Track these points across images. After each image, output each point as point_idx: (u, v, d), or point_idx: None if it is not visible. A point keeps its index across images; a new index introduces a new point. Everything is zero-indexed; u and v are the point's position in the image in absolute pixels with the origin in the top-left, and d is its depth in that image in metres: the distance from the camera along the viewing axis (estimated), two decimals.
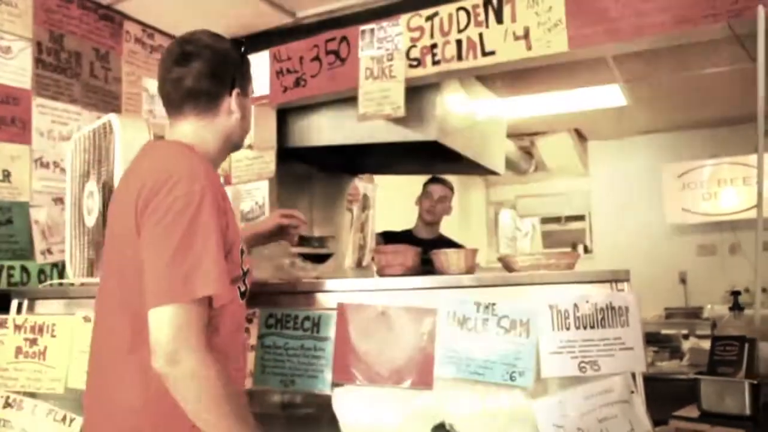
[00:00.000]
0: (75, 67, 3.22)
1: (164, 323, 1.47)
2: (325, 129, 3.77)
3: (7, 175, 2.91)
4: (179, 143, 1.74)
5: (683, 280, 6.83)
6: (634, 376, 2.01)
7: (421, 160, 4.52)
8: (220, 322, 1.66)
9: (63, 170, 2.99)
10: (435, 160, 4.27)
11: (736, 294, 2.56)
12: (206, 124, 1.77)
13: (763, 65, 2.54)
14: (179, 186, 1.54)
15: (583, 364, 2.02)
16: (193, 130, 1.77)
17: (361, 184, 2.52)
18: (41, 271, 3.03)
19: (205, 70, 1.74)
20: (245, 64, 1.87)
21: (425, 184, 4.37)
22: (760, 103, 2.57)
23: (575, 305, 2.06)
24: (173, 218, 1.52)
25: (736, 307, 2.46)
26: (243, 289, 1.77)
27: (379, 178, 3.16)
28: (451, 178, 4.49)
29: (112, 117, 2.49)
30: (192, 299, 1.50)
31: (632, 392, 2.00)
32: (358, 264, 2.45)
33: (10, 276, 2.91)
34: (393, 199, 4.27)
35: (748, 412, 2.01)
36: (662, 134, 6.99)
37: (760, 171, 2.68)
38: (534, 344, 2.04)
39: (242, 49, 1.88)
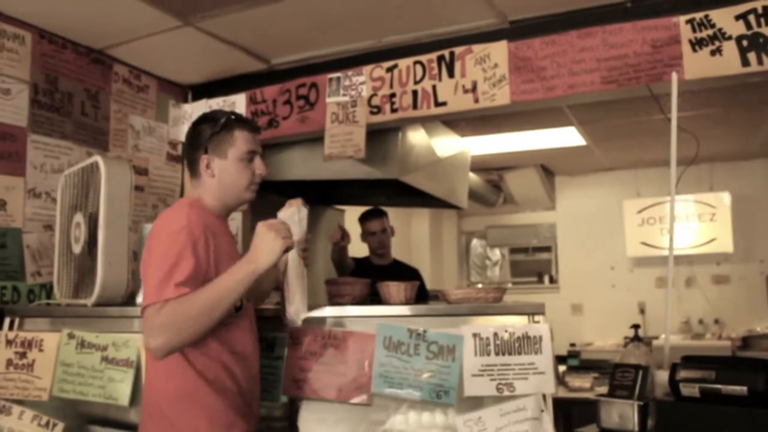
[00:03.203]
0: (67, 106, 3.52)
1: (144, 318, 1.98)
2: (297, 164, 4.07)
3: (2, 203, 3.20)
4: (184, 200, 2.27)
5: (642, 311, 7.14)
6: (544, 396, 2.33)
7: (387, 193, 4.85)
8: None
9: (54, 200, 3.28)
10: (401, 193, 4.58)
11: (636, 327, 2.88)
12: (197, 184, 2.25)
13: (676, 122, 2.88)
14: (165, 229, 2.06)
15: (500, 386, 2.34)
16: (193, 188, 2.26)
17: None
18: (31, 291, 3.30)
19: (186, 143, 2.31)
20: (219, 135, 2.21)
21: (362, 223, 4.45)
22: (672, 157, 2.91)
23: (495, 334, 2.38)
24: (155, 250, 2.03)
25: (636, 338, 2.79)
26: (238, 305, 2.14)
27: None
28: (423, 210, 4.61)
29: (98, 158, 2.81)
30: (155, 302, 1.96)
31: (542, 411, 2.31)
32: None
33: (2, 295, 3.17)
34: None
35: (636, 428, 2.35)
36: (624, 171, 7.37)
37: (672, 218, 3.01)
38: (458, 367, 2.37)
39: (222, 121, 2.22)
